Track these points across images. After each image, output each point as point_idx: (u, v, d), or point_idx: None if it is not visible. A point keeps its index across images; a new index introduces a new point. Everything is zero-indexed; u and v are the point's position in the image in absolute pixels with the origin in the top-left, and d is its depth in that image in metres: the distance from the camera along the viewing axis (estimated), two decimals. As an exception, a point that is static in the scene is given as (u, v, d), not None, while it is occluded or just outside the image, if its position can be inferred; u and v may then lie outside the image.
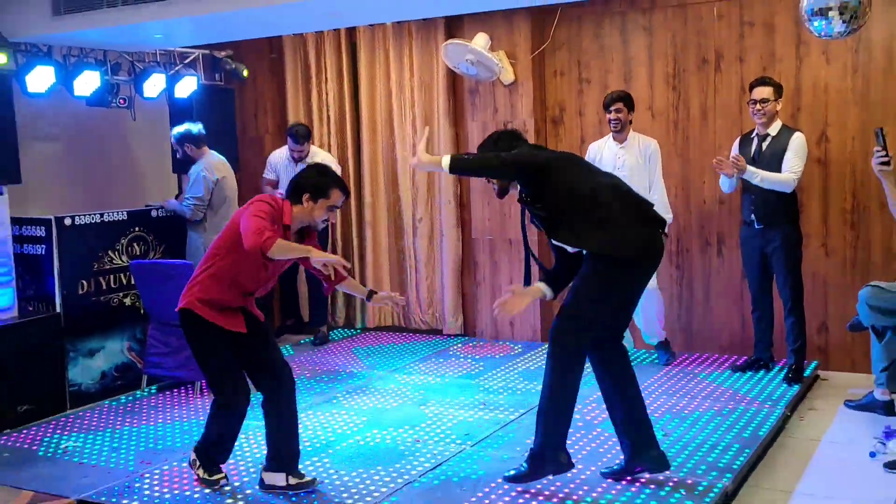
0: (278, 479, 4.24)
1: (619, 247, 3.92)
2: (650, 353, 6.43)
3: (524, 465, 4.10)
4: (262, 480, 4.30)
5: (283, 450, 4.28)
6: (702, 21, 6.48)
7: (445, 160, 3.92)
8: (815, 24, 4.68)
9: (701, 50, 6.50)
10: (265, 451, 4.34)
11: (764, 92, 5.56)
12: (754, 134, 5.71)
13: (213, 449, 4.38)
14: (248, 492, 4.27)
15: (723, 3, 6.38)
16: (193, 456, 4.40)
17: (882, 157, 4.11)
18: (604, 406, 4.29)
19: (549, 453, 4.04)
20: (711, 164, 5.74)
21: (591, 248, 3.98)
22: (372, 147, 7.58)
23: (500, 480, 4.21)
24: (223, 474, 4.39)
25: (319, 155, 6.96)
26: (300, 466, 4.32)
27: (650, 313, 6.13)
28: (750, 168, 5.52)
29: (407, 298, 7.68)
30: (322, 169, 4.34)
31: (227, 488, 4.32)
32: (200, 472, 4.36)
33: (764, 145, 5.63)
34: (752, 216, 5.73)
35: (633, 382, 4.18)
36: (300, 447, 4.37)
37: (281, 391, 4.27)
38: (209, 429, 4.37)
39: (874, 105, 5.97)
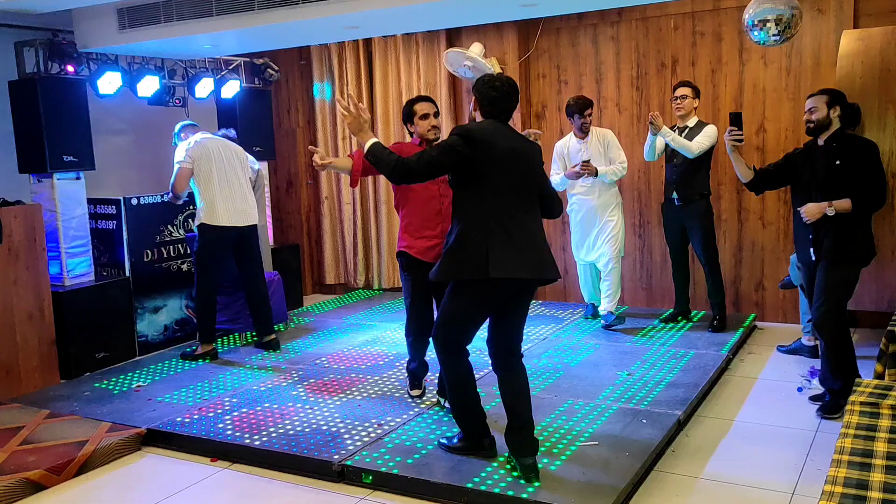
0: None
1: (444, 271, 3.44)
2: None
3: (455, 440, 3.78)
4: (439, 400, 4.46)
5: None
6: (660, 32, 6.45)
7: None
8: (755, 33, 4.66)
9: (660, 56, 6.48)
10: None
11: (684, 90, 5.68)
12: (676, 127, 5.76)
13: (414, 366, 4.54)
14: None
15: (678, 17, 6.36)
16: (406, 373, 4.66)
17: (738, 136, 4.32)
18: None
19: (472, 440, 3.71)
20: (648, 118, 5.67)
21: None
22: (385, 138, 7.55)
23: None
24: (421, 389, 4.60)
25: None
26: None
27: (604, 287, 6.01)
28: (665, 128, 5.54)
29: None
30: (407, 102, 4.23)
31: (419, 402, 4.50)
32: (410, 388, 4.62)
33: (683, 134, 5.67)
34: (675, 195, 5.77)
35: (516, 398, 3.52)
36: None
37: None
38: (409, 351, 4.51)
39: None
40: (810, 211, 4.15)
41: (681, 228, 5.82)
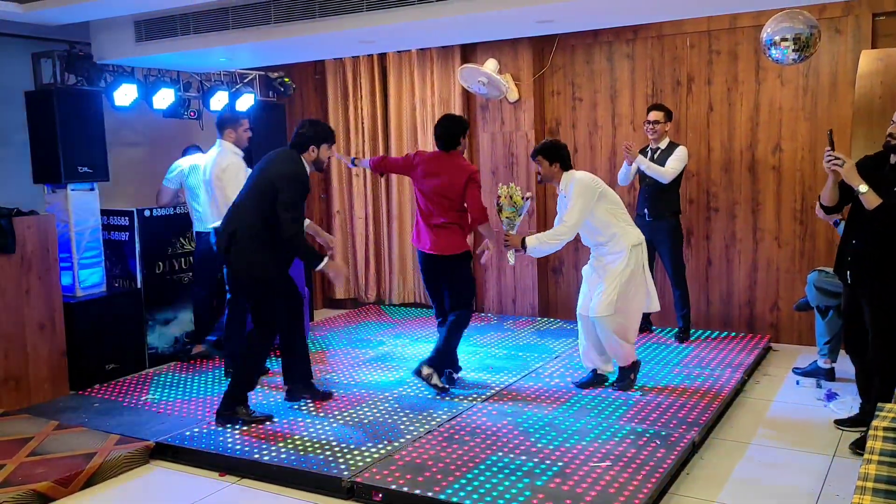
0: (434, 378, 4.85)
1: None
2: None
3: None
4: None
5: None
6: (676, 50, 6.43)
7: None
8: (773, 52, 4.64)
9: (675, 74, 6.46)
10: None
11: (657, 115, 5.83)
12: (649, 147, 5.91)
13: (443, 359, 4.91)
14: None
15: (694, 35, 6.33)
16: (428, 370, 4.81)
17: (829, 155, 3.80)
18: None
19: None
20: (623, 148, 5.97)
21: None
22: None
23: (511, 431, 4.22)
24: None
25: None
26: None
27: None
28: (640, 157, 5.78)
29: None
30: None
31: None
32: (435, 380, 4.83)
33: (656, 155, 5.83)
34: (645, 210, 5.91)
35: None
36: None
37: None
38: (444, 343, 4.86)
39: (821, 121, 5.92)
40: (847, 167, 3.67)
41: (650, 243, 5.78)
